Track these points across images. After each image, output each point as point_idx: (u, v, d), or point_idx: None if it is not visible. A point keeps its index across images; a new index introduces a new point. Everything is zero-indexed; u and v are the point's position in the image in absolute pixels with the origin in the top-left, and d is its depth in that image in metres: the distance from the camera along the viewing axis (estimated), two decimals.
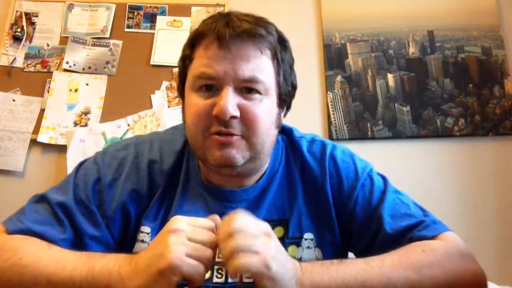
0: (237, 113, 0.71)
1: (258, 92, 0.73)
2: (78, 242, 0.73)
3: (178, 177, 0.81)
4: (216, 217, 0.64)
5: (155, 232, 0.77)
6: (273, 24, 0.78)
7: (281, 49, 0.77)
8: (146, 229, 0.78)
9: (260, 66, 0.73)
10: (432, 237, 0.72)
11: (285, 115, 0.83)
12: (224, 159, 0.72)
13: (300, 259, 0.75)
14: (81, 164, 0.83)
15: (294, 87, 0.82)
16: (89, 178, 0.78)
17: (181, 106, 0.83)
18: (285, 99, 0.80)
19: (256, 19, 0.75)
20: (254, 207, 0.78)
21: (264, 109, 0.74)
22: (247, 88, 0.72)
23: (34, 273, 0.64)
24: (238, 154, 0.72)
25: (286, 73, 0.79)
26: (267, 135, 0.76)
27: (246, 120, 0.72)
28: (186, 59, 0.77)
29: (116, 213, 0.76)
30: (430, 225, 0.75)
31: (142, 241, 0.77)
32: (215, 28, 0.72)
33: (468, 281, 0.67)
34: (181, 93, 0.81)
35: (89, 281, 0.62)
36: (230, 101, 0.70)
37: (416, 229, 0.74)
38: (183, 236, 0.59)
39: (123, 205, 0.77)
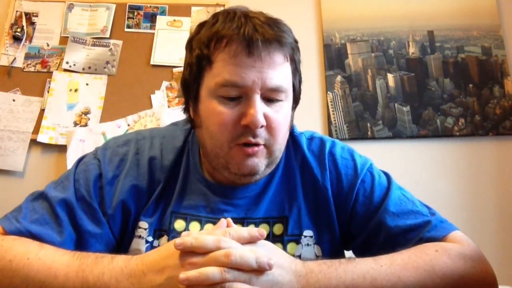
0: (264, 122, 0.71)
1: (280, 99, 0.73)
2: (78, 240, 0.73)
3: (177, 173, 0.81)
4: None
5: (152, 227, 0.77)
6: (287, 24, 0.76)
7: (296, 51, 0.77)
8: (144, 224, 0.77)
9: (284, 73, 0.73)
10: (443, 238, 0.71)
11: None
12: (249, 169, 0.73)
13: (299, 257, 0.75)
14: (80, 159, 0.82)
15: (300, 83, 0.82)
16: (90, 173, 0.77)
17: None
18: (297, 100, 0.81)
19: (275, 22, 0.73)
20: (254, 204, 0.79)
21: (284, 115, 0.74)
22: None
23: (25, 278, 0.62)
24: (260, 162, 0.73)
25: (298, 73, 0.79)
26: (284, 140, 0.77)
27: (271, 128, 0.72)
28: (203, 59, 0.73)
29: (116, 210, 0.76)
30: (438, 225, 0.74)
31: (140, 236, 0.77)
32: (244, 33, 0.69)
33: (480, 283, 0.66)
34: (194, 95, 0.76)
35: None
36: (260, 111, 0.70)
37: (425, 230, 0.73)
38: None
39: (124, 202, 0.76)
